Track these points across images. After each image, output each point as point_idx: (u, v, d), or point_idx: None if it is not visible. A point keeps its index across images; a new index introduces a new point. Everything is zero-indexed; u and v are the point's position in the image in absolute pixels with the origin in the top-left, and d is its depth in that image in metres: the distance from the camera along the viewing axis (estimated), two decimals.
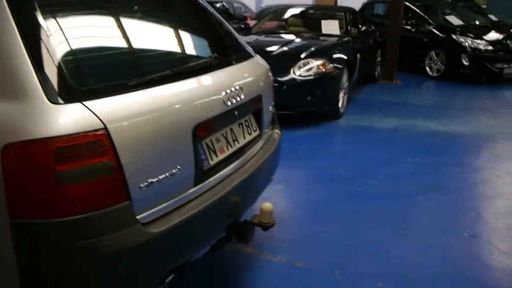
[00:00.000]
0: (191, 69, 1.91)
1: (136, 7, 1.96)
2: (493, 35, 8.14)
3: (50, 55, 1.44)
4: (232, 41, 2.43)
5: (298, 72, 5.03)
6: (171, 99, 1.71)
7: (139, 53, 1.81)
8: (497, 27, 8.58)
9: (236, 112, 2.05)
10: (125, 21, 1.82)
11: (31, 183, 1.37)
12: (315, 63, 5.14)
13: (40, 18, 1.49)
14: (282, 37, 6.28)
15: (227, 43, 2.41)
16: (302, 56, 5.22)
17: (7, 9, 1.43)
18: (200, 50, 2.20)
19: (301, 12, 7.30)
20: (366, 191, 3.54)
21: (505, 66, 7.82)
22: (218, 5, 10.83)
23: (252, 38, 6.20)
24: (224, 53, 2.33)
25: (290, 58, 5.22)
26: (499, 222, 3.06)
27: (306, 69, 5.09)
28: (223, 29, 2.42)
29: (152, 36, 1.94)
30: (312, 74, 5.07)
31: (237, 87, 2.05)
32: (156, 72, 1.72)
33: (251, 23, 8.67)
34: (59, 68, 1.44)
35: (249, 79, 2.24)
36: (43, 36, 1.46)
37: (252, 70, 2.35)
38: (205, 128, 1.85)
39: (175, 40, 2.07)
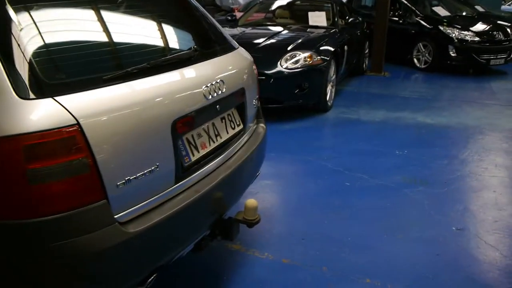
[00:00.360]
0: (170, 61, 1.83)
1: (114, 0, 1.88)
2: (479, 26, 8.15)
3: (19, 48, 1.36)
4: (214, 32, 2.35)
5: (285, 65, 4.97)
6: (148, 93, 1.64)
7: (114, 45, 1.73)
8: (483, 18, 8.60)
9: (217, 106, 1.99)
10: (99, 12, 1.73)
11: (2, 182, 1.30)
12: (302, 55, 5.08)
13: (9, 10, 1.41)
14: (269, 29, 6.21)
15: (208, 34, 2.34)
16: (289, 48, 5.16)
17: None
18: (179, 42, 2.12)
19: (288, 4, 7.21)
20: (353, 184, 3.51)
21: (492, 57, 7.84)
22: None
23: (238, 30, 6.11)
24: (205, 45, 2.25)
25: (277, 51, 5.16)
26: (487, 215, 3.05)
27: (293, 61, 5.03)
28: (204, 20, 2.35)
29: (129, 28, 1.86)
30: (299, 66, 5.01)
31: (219, 80, 1.99)
32: (132, 65, 1.65)
33: (238, 15, 8.56)
34: (29, 61, 1.36)
35: (232, 72, 2.17)
36: (12, 29, 1.38)
37: (235, 62, 2.28)
38: (185, 123, 1.79)
39: (152, 32, 1.98)
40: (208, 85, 1.90)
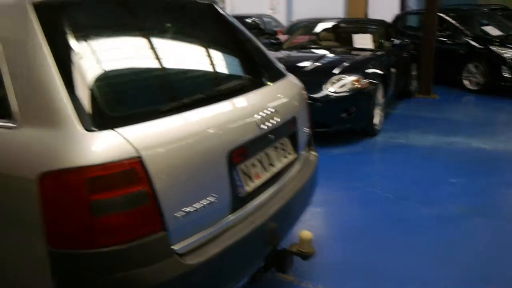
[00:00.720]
0: (223, 91, 1.84)
1: (165, 29, 1.92)
2: None
3: (83, 81, 1.40)
4: (264, 60, 2.35)
5: (332, 89, 4.91)
6: (204, 124, 1.63)
7: (170, 76, 1.76)
8: None
9: (270, 136, 1.96)
10: (155, 43, 1.77)
11: (67, 213, 1.33)
12: (349, 79, 5.00)
13: (72, 43, 1.46)
14: (314, 52, 6.20)
15: (259, 62, 2.33)
16: (335, 72, 5.10)
17: (40, 34, 1.41)
18: (231, 71, 2.13)
19: (333, 26, 7.19)
20: (406, 214, 3.35)
21: None
22: (249, 20, 10.85)
23: (283, 53, 6.14)
24: (257, 73, 2.25)
25: (323, 74, 5.11)
26: None
27: (340, 85, 4.96)
28: (255, 47, 2.35)
29: (183, 58, 1.89)
30: (346, 90, 4.94)
31: (271, 109, 1.96)
32: (188, 96, 1.66)
33: (282, 38, 8.63)
34: (92, 94, 1.40)
35: (283, 100, 2.15)
36: (75, 61, 1.43)
37: (286, 90, 2.26)
38: (240, 153, 1.77)
39: (206, 61, 2.00)
40: (262, 114, 1.88)
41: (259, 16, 12.41)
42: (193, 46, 2.00)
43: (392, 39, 6.76)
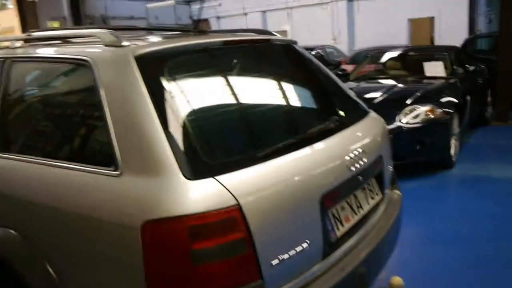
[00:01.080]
0: (313, 134, 1.85)
1: (253, 74, 1.98)
2: None
3: (183, 129, 1.47)
4: (347, 98, 2.34)
5: (405, 120, 4.77)
6: (297, 168, 1.64)
7: (263, 121, 1.80)
8: None
9: (359, 177, 1.92)
10: (246, 88, 1.84)
11: (168, 261, 1.36)
12: (422, 109, 4.84)
13: (172, 93, 1.54)
14: (383, 83, 6.08)
15: (342, 101, 2.33)
16: (408, 102, 4.96)
17: (142, 84, 1.50)
18: (318, 112, 2.15)
19: (400, 55, 7.05)
20: (496, 255, 3.11)
21: None
22: (313, 52, 10.93)
23: (351, 85, 6.08)
24: (342, 112, 2.24)
25: (395, 105, 4.98)
26: None
27: (413, 116, 4.81)
28: (336, 86, 2.35)
29: (273, 101, 1.94)
30: (420, 121, 4.77)
31: (360, 150, 1.94)
32: (281, 140, 1.68)
33: (347, 68, 8.58)
34: (192, 142, 1.45)
35: (370, 139, 2.12)
36: (175, 110, 1.50)
37: (371, 128, 2.22)
38: (332, 197, 1.75)
39: (294, 103, 2.04)
40: (351, 155, 1.86)
41: (322, 47, 12.44)
42: (280, 88, 2.05)
43: (464, 65, 6.49)
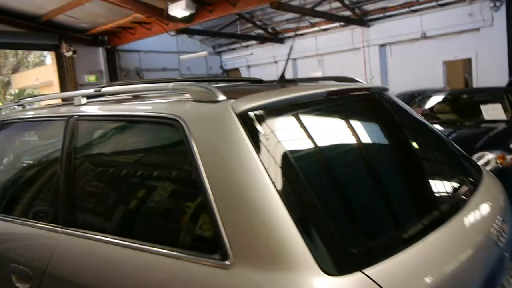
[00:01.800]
0: (448, 203, 1.49)
1: (365, 128, 1.68)
2: None
3: (311, 203, 1.14)
4: (459, 153, 2.00)
5: None
6: (444, 248, 1.29)
7: (396, 189, 1.47)
8: None
9: (506, 254, 1.54)
10: (366, 147, 1.53)
11: None
12: (491, 156, 4.43)
13: (287, 155, 1.24)
14: (439, 129, 5.71)
15: (457, 157, 1.98)
16: (476, 148, 4.57)
17: (250, 145, 1.21)
18: (444, 174, 1.79)
19: (450, 98, 6.71)
20: None
21: None
22: None
23: None
24: (466, 175, 1.87)
25: None
26: None
27: (482, 163, 4.40)
28: (441, 137, 2.03)
29: (398, 163, 1.61)
30: (491, 169, 4.35)
31: (499, 218, 1.57)
32: (421, 215, 1.34)
33: None
34: (327, 222, 1.12)
35: (500, 202, 1.75)
36: (296, 178, 1.18)
37: (495, 189, 1.86)
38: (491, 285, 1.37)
39: (419, 165, 1.71)
40: (495, 227, 1.50)
41: None
42: (397, 147, 1.73)
43: None
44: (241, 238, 1.12)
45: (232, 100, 1.33)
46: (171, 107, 1.44)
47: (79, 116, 1.77)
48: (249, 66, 16.79)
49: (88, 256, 1.49)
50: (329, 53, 15.00)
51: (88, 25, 11.64)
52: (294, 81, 2.08)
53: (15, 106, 2.53)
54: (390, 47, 14.22)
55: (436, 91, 7.35)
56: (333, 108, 1.60)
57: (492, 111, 5.75)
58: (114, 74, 13.30)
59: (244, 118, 1.27)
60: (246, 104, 1.31)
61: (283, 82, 2.07)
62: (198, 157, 1.24)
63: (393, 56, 14.28)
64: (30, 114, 2.28)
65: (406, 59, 13.87)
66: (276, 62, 15.88)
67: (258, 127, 1.26)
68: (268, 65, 15.95)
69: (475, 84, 12.88)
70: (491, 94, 6.44)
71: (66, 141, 1.75)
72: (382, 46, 14.22)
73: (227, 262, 1.12)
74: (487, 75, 12.07)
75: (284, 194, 1.12)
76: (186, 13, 9.97)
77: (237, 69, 17.14)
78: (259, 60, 16.20)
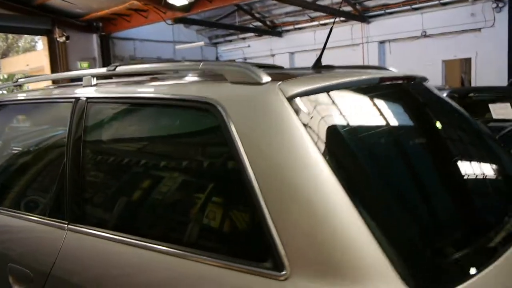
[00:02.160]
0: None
1: (419, 118, 1.50)
2: None
3: (384, 209, 0.97)
4: (502, 148, 1.83)
5: None
6: None
7: (466, 189, 1.29)
8: None
9: None
10: (429, 139, 1.35)
11: None
12: None
13: (345, 145, 1.07)
14: None
15: (502, 152, 1.81)
16: None
17: (305, 134, 1.03)
18: (499, 171, 1.62)
19: (456, 97, 6.59)
20: None
21: None
22: None
23: None
24: None
25: None
26: None
27: None
28: (491, 136, 1.86)
29: (458, 159, 1.44)
30: None
31: None
32: (499, 221, 1.16)
33: None
34: (406, 226, 0.96)
35: None
36: (361, 172, 1.03)
37: None
38: None
39: (478, 161, 1.53)
40: None
41: None
42: (452, 141, 1.56)
43: None
44: (299, 243, 0.93)
45: (280, 82, 1.13)
46: (205, 90, 1.23)
47: (88, 98, 1.55)
48: (245, 59, 16.57)
49: (103, 259, 1.29)
50: (327, 48, 14.85)
51: (83, 11, 11.32)
52: (332, 67, 1.88)
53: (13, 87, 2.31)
54: (390, 44, 14.12)
55: (440, 90, 7.22)
56: (389, 96, 1.42)
57: (501, 110, 5.64)
58: (108, 61, 12.99)
59: (294, 102, 1.08)
60: (296, 87, 1.12)
61: (320, 68, 1.87)
62: (241, 148, 1.05)
63: (392, 53, 14.19)
64: (30, 95, 2.06)
65: (405, 57, 13.78)
66: (273, 55, 15.70)
67: (312, 112, 1.08)
68: (265, 58, 15.76)
69: (473, 84, 12.87)
70: (498, 93, 6.33)
71: (73, 126, 1.54)
72: (382, 43, 14.12)
73: (282, 273, 0.93)
74: (485, 75, 12.04)
75: (350, 187, 0.94)
76: (185, 1, 9.74)
77: (233, 61, 16.94)
78: (256, 52, 15.99)
